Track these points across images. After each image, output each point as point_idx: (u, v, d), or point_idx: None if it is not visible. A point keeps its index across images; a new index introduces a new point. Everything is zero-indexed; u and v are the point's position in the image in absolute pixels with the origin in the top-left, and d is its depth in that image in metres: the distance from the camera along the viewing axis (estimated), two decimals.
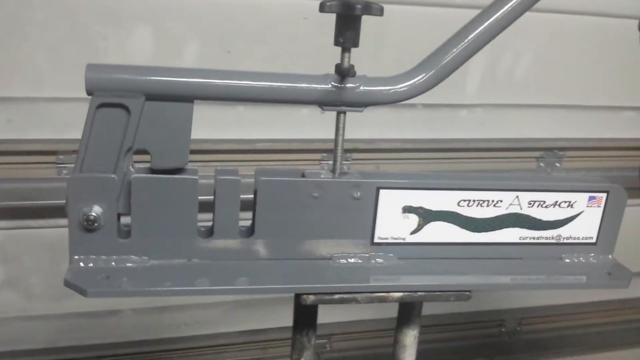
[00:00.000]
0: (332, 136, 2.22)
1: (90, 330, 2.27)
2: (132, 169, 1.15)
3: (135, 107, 1.09)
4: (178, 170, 1.16)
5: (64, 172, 2.07)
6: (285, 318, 2.41)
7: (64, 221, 2.13)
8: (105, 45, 2.04)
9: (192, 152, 2.20)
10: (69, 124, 2.07)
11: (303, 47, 2.17)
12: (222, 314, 2.35)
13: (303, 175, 1.20)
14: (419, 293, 1.19)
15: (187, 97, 1.12)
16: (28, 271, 2.17)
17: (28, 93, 2.03)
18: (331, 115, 2.04)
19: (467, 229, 1.25)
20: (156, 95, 1.10)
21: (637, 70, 2.38)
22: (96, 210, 1.13)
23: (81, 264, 1.15)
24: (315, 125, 2.25)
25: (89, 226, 1.13)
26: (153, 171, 1.16)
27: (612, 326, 2.82)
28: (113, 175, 1.12)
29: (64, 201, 2.06)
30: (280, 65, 2.16)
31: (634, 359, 2.84)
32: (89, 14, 1.97)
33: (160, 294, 1.12)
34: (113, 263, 1.16)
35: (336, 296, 1.17)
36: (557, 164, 2.39)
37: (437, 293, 1.20)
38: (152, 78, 1.10)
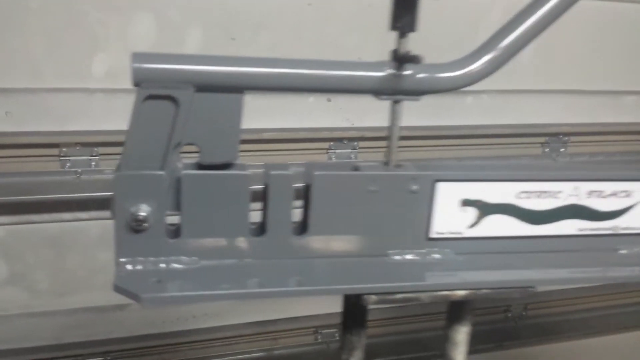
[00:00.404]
0: (339, 125, 2.15)
1: (96, 326, 2.18)
2: (179, 165, 1.06)
3: (185, 98, 1.00)
4: (226, 166, 1.07)
5: (68, 165, 1.97)
6: (293, 308, 2.34)
7: (67, 215, 2.07)
8: (105, 33, 1.93)
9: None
10: (70, 115, 1.98)
11: (308, 34, 2.08)
12: (230, 306, 2.26)
13: (356, 168, 1.12)
14: (483, 290, 1.12)
15: (238, 88, 1.02)
16: (31, 267, 2.07)
17: (27, 84, 1.92)
18: (336, 103, 1.97)
19: (526, 222, 1.18)
20: (206, 86, 1.01)
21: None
22: (144, 209, 1.03)
23: (129, 267, 1.05)
24: (322, 113, 2.17)
25: (137, 226, 1.03)
26: (201, 166, 1.07)
27: (617, 309, 2.79)
28: (162, 172, 1.03)
29: (68, 195, 1.99)
30: (285, 53, 2.06)
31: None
32: (88, 0, 1.86)
33: (217, 298, 1.04)
34: (162, 265, 1.06)
35: (399, 296, 1.09)
36: (562, 149, 2.33)
37: (501, 290, 1.12)
38: (203, 68, 1.00)
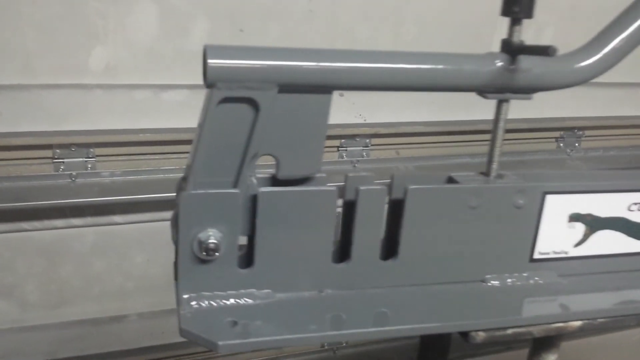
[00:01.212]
0: (349, 121, 1.94)
1: (92, 339, 1.93)
2: (254, 181, 0.84)
3: (267, 101, 0.78)
4: (303, 180, 0.86)
5: (62, 167, 1.73)
6: None
7: (61, 222, 1.82)
8: (104, 24, 1.69)
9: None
10: (65, 113, 1.74)
11: (320, 23, 1.87)
12: None
13: (452, 180, 0.92)
14: (599, 320, 0.93)
15: (328, 87, 0.81)
16: (22, 278, 1.82)
17: (18, 80, 1.67)
18: (348, 98, 1.75)
19: (634, 237, 0.99)
20: (293, 86, 0.79)
21: None
22: (216, 235, 0.81)
23: (194, 304, 0.84)
24: (333, 109, 1.96)
25: (207, 256, 0.81)
26: (276, 182, 0.85)
27: None
28: (236, 190, 0.81)
29: (64, 201, 1.74)
30: (296, 44, 1.85)
31: None
32: None
33: (305, 342, 0.82)
34: (232, 300, 0.85)
35: (509, 331, 0.89)
36: (577, 144, 2.16)
37: (619, 318, 0.93)
38: (290, 64, 0.79)
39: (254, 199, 0.83)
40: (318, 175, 0.86)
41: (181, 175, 0.85)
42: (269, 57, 0.78)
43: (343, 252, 0.90)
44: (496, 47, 2.06)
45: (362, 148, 1.97)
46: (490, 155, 0.93)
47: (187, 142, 1.79)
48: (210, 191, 0.80)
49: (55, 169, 1.74)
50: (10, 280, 1.82)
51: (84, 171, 1.76)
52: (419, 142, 2.00)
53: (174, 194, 1.73)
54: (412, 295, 0.91)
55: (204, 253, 0.81)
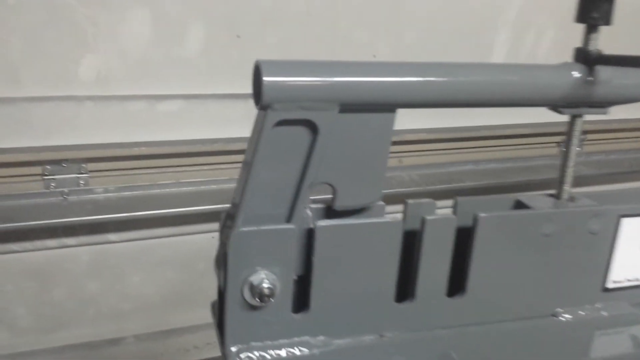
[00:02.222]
0: None
1: None
2: (309, 213, 0.70)
3: (326, 122, 0.65)
4: (360, 210, 0.72)
5: (53, 184, 1.58)
6: None
7: (53, 242, 1.66)
8: (94, 32, 1.55)
9: (200, 154, 1.74)
10: (55, 127, 1.61)
11: (318, 29, 1.73)
12: None
13: (522, 205, 0.79)
14: None
15: (394, 105, 0.68)
16: (12, 301, 1.66)
17: (3, 92, 1.55)
18: None
19: None
20: (354, 105, 0.66)
21: None
22: (269, 277, 0.67)
23: (244, 357, 0.69)
24: None
25: (260, 302, 0.67)
26: (331, 213, 0.72)
27: None
28: (291, 226, 0.67)
29: (56, 220, 1.58)
30: (294, 50, 1.71)
31: None
32: None
33: None
34: (286, 350, 0.71)
35: None
36: (578, 148, 2.05)
37: None
38: (353, 80, 0.65)
39: (309, 234, 0.69)
40: (377, 203, 0.73)
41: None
42: (330, 72, 0.65)
43: (402, 289, 0.76)
44: (498, 52, 1.97)
45: None
46: (562, 175, 0.81)
47: (184, 154, 1.66)
48: (263, 228, 0.66)
49: (46, 187, 1.60)
50: (0, 305, 1.66)
51: (76, 188, 1.62)
52: (422, 149, 1.88)
53: (170, 210, 1.57)
54: (480, 336, 0.78)
55: (257, 299, 0.67)
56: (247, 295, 0.67)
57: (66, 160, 1.59)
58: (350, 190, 0.70)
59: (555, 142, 2.05)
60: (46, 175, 1.59)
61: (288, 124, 0.64)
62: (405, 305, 0.75)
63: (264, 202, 0.67)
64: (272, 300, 0.67)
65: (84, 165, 1.61)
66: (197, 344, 1.86)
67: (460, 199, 0.78)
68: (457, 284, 0.77)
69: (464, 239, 0.75)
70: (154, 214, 1.63)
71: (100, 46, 1.57)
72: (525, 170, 1.97)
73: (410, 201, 0.76)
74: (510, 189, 1.90)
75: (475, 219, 0.74)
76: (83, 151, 1.59)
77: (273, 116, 0.63)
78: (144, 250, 1.73)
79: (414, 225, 0.74)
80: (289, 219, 0.68)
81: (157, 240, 1.72)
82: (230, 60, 1.67)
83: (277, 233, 0.67)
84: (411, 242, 0.74)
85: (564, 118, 2.01)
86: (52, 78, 1.55)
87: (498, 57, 1.93)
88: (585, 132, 2.06)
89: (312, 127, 0.65)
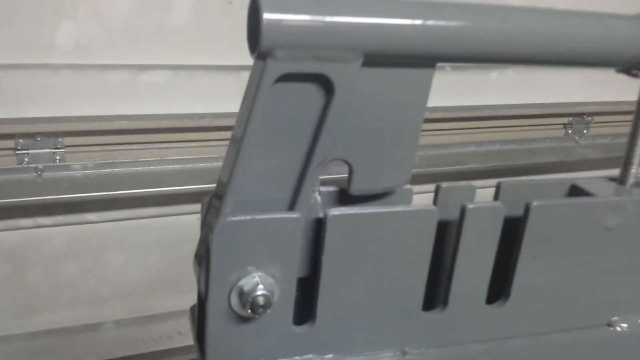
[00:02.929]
0: None
1: (64, 350, 1.64)
2: (317, 198, 0.54)
3: (345, 79, 0.48)
4: (380, 196, 0.57)
5: (26, 160, 1.44)
6: None
7: (26, 221, 1.51)
8: None
9: (186, 130, 1.59)
10: (28, 98, 1.46)
11: None
12: None
13: (578, 190, 0.63)
14: None
15: (435, 58, 0.52)
16: None
17: None
18: None
19: None
20: (382, 56, 0.49)
21: None
22: (264, 282, 0.51)
23: None
24: None
25: (252, 314, 0.51)
26: (345, 198, 0.56)
27: None
28: (295, 215, 0.51)
29: (29, 198, 1.43)
30: None
31: None
32: None
33: None
34: None
35: None
36: (585, 131, 1.91)
37: None
38: (381, 21, 0.48)
39: (317, 225, 0.53)
40: (405, 187, 0.57)
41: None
42: (352, 10, 0.47)
43: (430, 295, 0.61)
44: None
45: None
46: (629, 156, 0.64)
47: (169, 130, 1.53)
48: (258, 217, 0.50)
49: (19, 162, 1.46)
50: None
51: (52, 164, 1.49)
52: (423, 129, 1.72)
53: (154, 189, 1.41)
54: (525, 351, 0.62)
55: (249, 310, 0.51)
56: (235, 304, 0.51)
57: (40, 134, 1.45)
58: (372, 169, 0.54)
59: (562, 124, 1.90)
60: (19, 149, 1.45)
61: (294, 80, 0.47)
62: (434, 315, 0.59)
63: (260, 183, 0.50)
64: (269, 311, 0.52)
65: (60, 139, 1.47)
66: (181, 329, 1.72)
67: (504, 182, 0.63)
68: (496, 288, 0.61)
69: (506, 232, 0.60)
70: (136, 193, 1.49)
71: (79, 11, 1.43)
72: (532, 152, 1.83)
73: (443, 184, 0.60)
74: (516, 172, 1.76)
75: (527, 208, 0.58)
76: (59, 124, 1.46)
77: (274, 68, 0.46)
78: (126, 232, 1.59)
79: (448, 215, 0.59)
80: (292, 206, 0.52)
81: (139, 221, 1.59)
82: (220, 28, 1.52)
83: (277, 223, 0.50)
84: (441, 237, 0.59)
85: (572, 98, 1.86)
86: (26, 44, 1.41)
87: None
88: (592, 114, 1.91)
89: (326, 84, 0.48)
